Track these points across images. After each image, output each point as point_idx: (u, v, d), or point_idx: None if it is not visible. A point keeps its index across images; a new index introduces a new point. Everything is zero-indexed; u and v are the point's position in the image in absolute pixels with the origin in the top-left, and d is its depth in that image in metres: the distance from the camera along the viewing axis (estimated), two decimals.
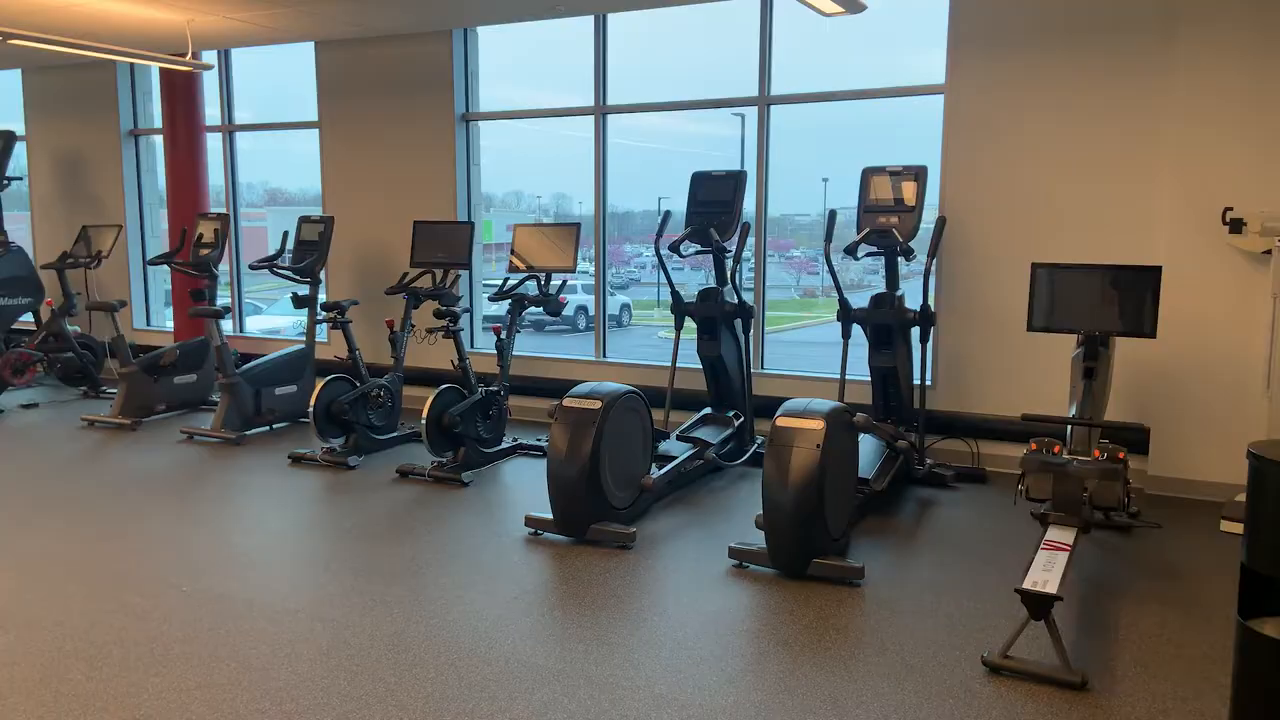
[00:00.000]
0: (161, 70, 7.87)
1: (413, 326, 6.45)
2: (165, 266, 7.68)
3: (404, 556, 4.28)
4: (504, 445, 6.03)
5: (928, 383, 5.53)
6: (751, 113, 6.48)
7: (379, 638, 3.44)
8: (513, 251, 6.06)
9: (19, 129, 8.79)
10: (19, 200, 8.99)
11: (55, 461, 5.90)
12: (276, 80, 9.25)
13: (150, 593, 3.83)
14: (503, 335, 5.94)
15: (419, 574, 4.07)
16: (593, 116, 6.91)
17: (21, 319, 8.30)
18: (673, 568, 4.18)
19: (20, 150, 8.53)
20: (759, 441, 5.83)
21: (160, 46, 7.41)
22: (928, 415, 5.54)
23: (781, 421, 4.04)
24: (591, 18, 6.77)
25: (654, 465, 5.01)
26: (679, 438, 5.50)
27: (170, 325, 8.72)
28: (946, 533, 4.63)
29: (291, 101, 8.43)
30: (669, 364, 5.90)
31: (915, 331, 5.30)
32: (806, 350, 11.61)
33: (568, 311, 13.88)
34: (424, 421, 5.43)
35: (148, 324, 8.79)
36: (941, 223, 5.44)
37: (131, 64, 8.43)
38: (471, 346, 7.47)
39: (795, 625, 3.59)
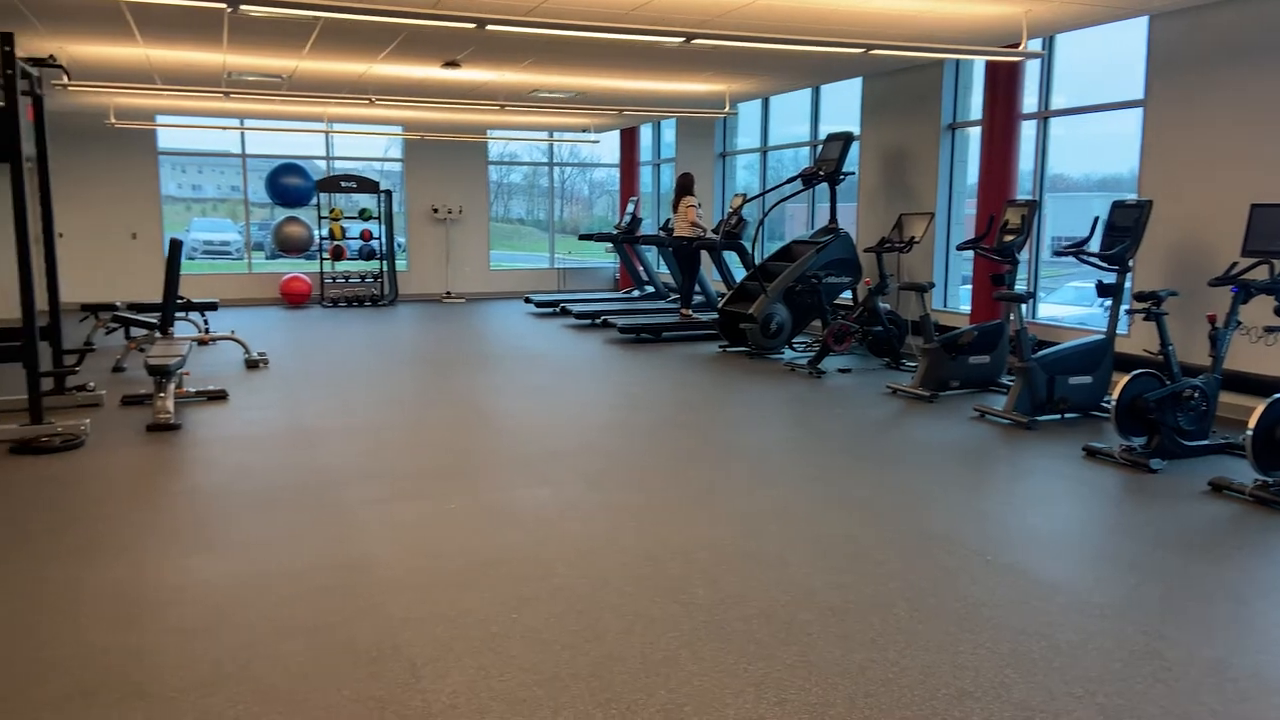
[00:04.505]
0: (987, 64, 8.25)
1: (1238, 324, 5.67)
2: (966, 251, 8.11)
3: (1222, 579, 3.81)
4: None
5: None
6: None
7: (1197, 658, 3.12)
8: None
9: (856, 130, 10.16)
10: (849, 192, 10.40)
11: (866, 421, 6.71)
12: (1088, 62, 8.97)
13: (957, 554, 4.09)
14: None
15: (1245, 603, 3.58)
16: None
17: (842, 295, 9.65)
18: None
19: (854, 148, 9.83)
20: None
21: (991, 40, 7.74)
22: None
23: None
24: None
25: None
26: None
27: (963, 307, 9.21)
28: None
29: (1099, 83, 8.10)
30: None
31: None
32: None
33: None
34: (1249, 433, 4.74)
35: (944, 305, 9.41)
36: None
37: (958, 61, 9.01)
38: None
39: None
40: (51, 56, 6.48)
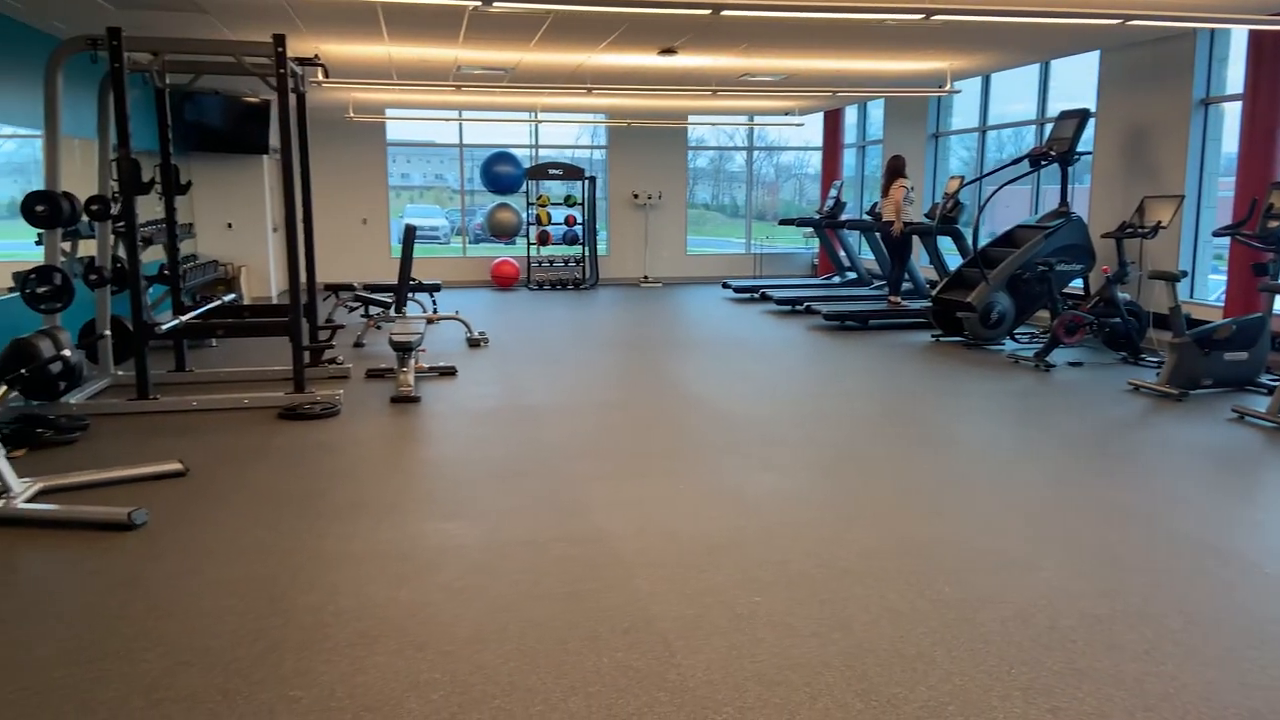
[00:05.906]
0: (1251, 33, 7.47)
1: None
2: (1222, 238, 7.41)
3: None
4: None
5: None
6: None
7: None
8: None
9: (1092, 106, 9.47)
10: (1082, 173, 9.71)
11: (1107, 419, 6.28)
12: None
13: (1231, 565, 3.76)
14: None
15: None
16: None
17: (1072, 284, 9.06)
18: None
19: (1089, 126, 9.17)
20: None
21: (1261, 8, 6.99)
22: None
23: None
24: None
25: None
26: None
27: (1212, 298, 8.43)
28: None
29: None
30: None
31: None
32: None
33: None
34: None
35: (1189, 295, 8.65)
36: None
37: (1213, 30, 8.21)
38: None
39: None
40: (316, 55, 7.05)
